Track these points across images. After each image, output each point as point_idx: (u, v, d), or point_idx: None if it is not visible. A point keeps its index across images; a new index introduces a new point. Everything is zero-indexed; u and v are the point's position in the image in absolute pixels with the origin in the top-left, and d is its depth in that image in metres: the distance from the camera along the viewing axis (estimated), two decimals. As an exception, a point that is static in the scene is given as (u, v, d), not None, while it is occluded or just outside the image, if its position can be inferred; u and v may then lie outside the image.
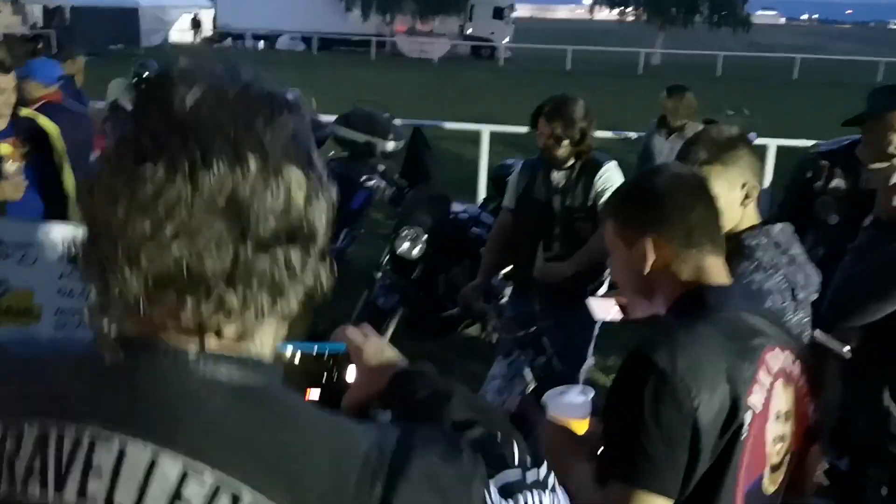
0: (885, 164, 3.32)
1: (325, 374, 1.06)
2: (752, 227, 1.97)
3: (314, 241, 0.78)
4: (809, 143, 7.83)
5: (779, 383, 1.36)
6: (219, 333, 0.75)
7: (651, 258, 1.42)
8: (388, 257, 4.81)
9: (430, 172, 7.27)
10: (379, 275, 4.80)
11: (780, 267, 1.93)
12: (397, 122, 7.72)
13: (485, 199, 6.09)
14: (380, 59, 34.87)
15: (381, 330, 4.70)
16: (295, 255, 0.76)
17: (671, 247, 1.42)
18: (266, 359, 0.79)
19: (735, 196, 1.92)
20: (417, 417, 0.93)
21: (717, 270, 1.44)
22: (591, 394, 1.52)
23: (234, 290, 0.73)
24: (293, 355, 1.04)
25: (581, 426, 1.48)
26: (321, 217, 0.79)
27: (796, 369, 1.41)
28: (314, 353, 1.06)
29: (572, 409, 1.49)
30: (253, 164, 0.72)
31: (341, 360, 1.06)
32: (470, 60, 36.67)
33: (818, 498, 3.57)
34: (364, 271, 5.02)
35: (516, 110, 3.67)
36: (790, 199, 3.81)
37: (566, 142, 3.50)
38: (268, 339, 0.79)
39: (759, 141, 7.81)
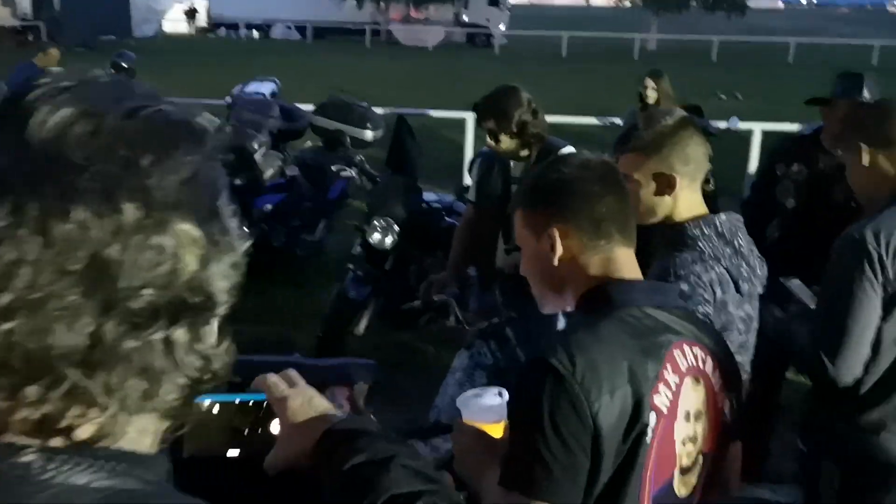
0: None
1: (248, 428, 0.96)
2: (696, 217, 1.90)
3: (209, 312, 0.61)
4: (795, 127, 7.84)
5: (688, 381, 1.31)
6: (70, 431, 0.58)
7: (559, 250, 1.37)
8: (360, 248, 4.75)
9: (414, 161, 7.22)
10: (351, 266, 4.74)
11: (723, 259, 1.86)
12: (380, 110, 7.67)
13: (463, 187, 6.03)
14: (375, 48, 34.68)
15: (353, 322, 4.65)
16: (179, 335, 0.59)
17: (579, 238, 1.37)
18: (143, 451, 0.62)
19: (652, 187, 1.86)
20: (350, 490, 0.83)
21: (626, 264, 1.38)
22: (507, 396, 1.46)
23: (91, 378, 0.57)
24: (210, 407, 0.95)
25: (496, 430, 1.42)
26: (222, 282, 0.61)
27: (708, 366, 1.35)
28: (235, 403, 0.96)
29: (487, 412, 1.43)
30: (130, 214, 0.56)
31: (267, 411, 0.96)
32: (465, 48, 36.47)
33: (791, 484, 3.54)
34: (342, 263, 4.96)
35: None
36: (759, 184, 3.80)
37: (505, 136, 3.43)
38: (144, 433, 0.62)
39: (744, 125, 7.75)
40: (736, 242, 1.91)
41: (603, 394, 1.19)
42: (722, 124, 7.87)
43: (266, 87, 8.33)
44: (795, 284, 2.37)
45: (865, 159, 2.14)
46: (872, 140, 2.14)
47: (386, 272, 4.71)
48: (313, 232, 6.17)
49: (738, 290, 1.88)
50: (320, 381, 3.18)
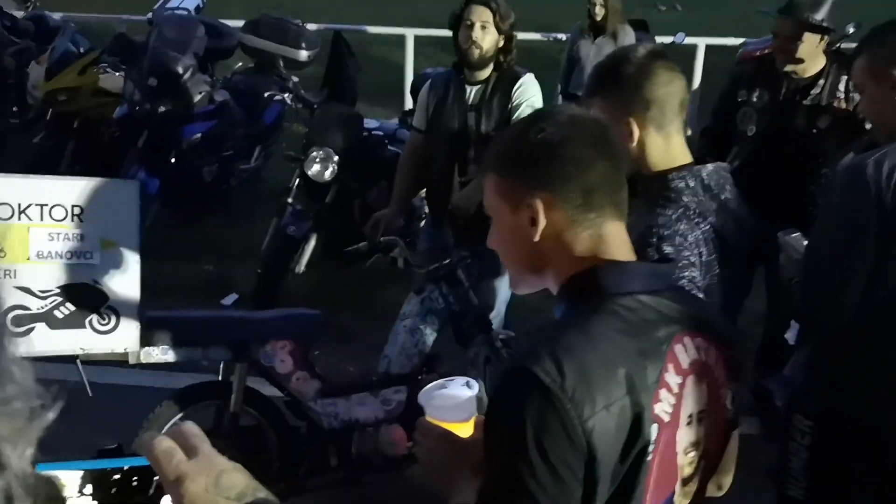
0: (794, 67, 3.25)
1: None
2: (680, 167, 1.70)
3: None
4: (739, 41, 7.68)
5: (690, 381, 1.13)
6: None
7: (542, 223, 1.15)
8: (297, 181, 4.47)
9: (353, 82, 6.87)
10: (289, 200, 4.47)
11: (709, 215, 1.68)
12: (313, 27, 7.23)
13: (405, 112, 5.73)
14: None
15: (293, 260, 4.41)
16: None
17: (566, 210, 1.15)
18: None
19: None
20: None
21: (617, 241, 1.17)
22: (477, 388, 1.25)
23: None
24: (69, 480, 0.70)
25: (465, 429, 1.22)
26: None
27: (712, 357, 1.17)
28: (107, 472, 0.72)
29: (454, 409, 1.22)
30: None
31: (159, 485, 0.70)
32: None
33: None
34: (281, 194, 4.67)
35: (447, 12, 3.36)
36: (721, 110, 3.64)
37: (493, 33, 3.24)
38: None
39: (688, 40, 7.54)
40: (722, 196, 1.72)
41: (598, 409, 1.01)
42: (667, 39, 7.67)
43: (190, 3, 7.74)
44: (794, 238, 2.22)
45: None
46: None
47: (327, 206, 4.46)
48: (248, 161, 5.82)
49: (725, 247, 1.71)
50: (261, 336, 2.99)
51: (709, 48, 7.74)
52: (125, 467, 0.72)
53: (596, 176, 1.15)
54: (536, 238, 1.16)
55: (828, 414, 2.11)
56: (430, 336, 3.17)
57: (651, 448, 1.06)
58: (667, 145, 1.69)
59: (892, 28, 2.10)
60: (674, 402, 1.09)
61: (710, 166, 1.72)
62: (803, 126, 3.32)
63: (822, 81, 3.27)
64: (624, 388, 1.03)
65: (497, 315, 3.40)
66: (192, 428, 0.71)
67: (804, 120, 3.32)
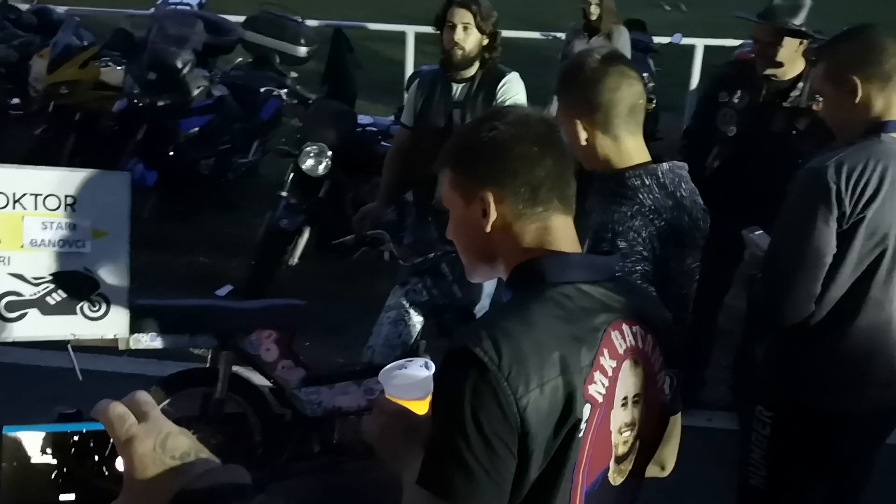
0: (774, 70, 3.30)
1: (86, 469, 0.77)
2: (636, 166, 1.77)
3: None
4: (738, 42, 7.71)
5: (626, 365, 1.20)
6: None
7: (493, 216, 1.23)
8: (291, 175, 4.55)
9: (353, 78, 6.94)
10: (283, 194, 4.55)
11: (664, 212, 1.75)
12: (314, 23, 7.31)
13: (399, 108, 5.80)
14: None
15: (286, 252, 4.49)
16: None
17: (514, 205, 1.23)
18: None
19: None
20: None
21: (563, 234, 1.25)
22: (434, 368, 1.34)
23: None
24: (31, 441, 0.75)
25: (421, 407, 1.30)
26: None
27: (648, 344, 1.25)
28: (66, 434, 0.76)
29: (411, 388, 1.30)
30: None
31: (108, 444, 0.76)
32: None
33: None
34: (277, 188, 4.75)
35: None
36: (702, 111, 3.71)
37: (476, 33, 3.32)
38: None
39: (686, 41, 7.59)
40: (678, 193, 1.79)
41: (532, 388, 1.08)
42: (665, 40, 7.72)
43: (192, -3, 7.84)
44: (758, 235, 2.29)
45: (859, 93, 2.04)
46: (870, 75, 2.04)
47: (320, 200, 4.54)
48: (245, 155, 5.91)
49: (680, 243, 1.78)
50: (248, 325, 3.06)
51: (709, 49, 7.76)
52: (83, 431, 0.77)
53: (542, 172, 1.23)
54: (488, 229, 1.24)
55: (787, 404, 2.19)
56: (413, 328, 3.25)
57: (583, 426, 1.13)
58: (616, 146, 1.76)
59: (849, 35, 2.17)
60: (607, 384, 1.17)
61: (665, 165, 1.79)
62: (782, 128, 3.39)
63: (801, 84, 3.33)
64: (557, 369, 1.11)
65: (481, 308, 3.47)
66: (143, 396, 0.77)
67: (783, 121, 3.39)
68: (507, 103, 3.30)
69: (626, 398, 1.21)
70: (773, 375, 2.23)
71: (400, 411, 1.27)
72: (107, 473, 0.76)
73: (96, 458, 0.77)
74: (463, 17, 3.30)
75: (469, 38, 3.31)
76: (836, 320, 2.06)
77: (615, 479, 1.24)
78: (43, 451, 0.75)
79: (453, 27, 3.32)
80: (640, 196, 1.73)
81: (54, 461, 0.76)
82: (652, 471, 1.40)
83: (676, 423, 1.41)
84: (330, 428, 3.00)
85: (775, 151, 3.37)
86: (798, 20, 3.23)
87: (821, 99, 2.37)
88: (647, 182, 1.74)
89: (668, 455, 1.44)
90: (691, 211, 1.81)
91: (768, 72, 3.31)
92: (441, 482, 1.09)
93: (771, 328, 2.22)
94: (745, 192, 3.32)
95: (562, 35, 7.28)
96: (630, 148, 1.76)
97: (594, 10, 5.84)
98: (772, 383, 2.23)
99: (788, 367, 2.18)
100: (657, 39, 7.80)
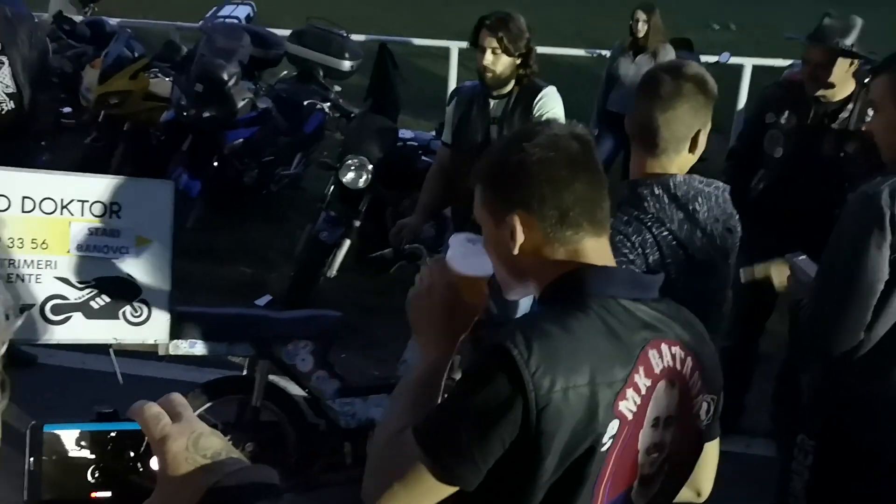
0: (824, 91, 3.23)
1: (122, 465, 0.79)
2: (651, 175, 1.80)
3: None
4: (788, 63, 7.61)
5: (661, 385, 1.18)
6: None
7: (520, 239, 1.22)
8: (332, 188, 4.59)
9: (397, 93, 6.99)
10: (324, 206, 4.59)
11: (668, 221, 1.74)
12: (359, 38, 7.38)
13: (441, 124, 5.83)
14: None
15: (325, 264, 4.52)
16: None
17: (542, 229, 1.21)
18: None
19: None
20: None
21: (595, 255, 1.23)
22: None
23: None
24: (70, 438, 0.77)
25: (472, 284, 1.28)
26: None
27: (687, 367, 1.22)
28: (104, 433, 0.79)
29: (472, 261, 1.27)
30: None
31: (143, 443, 0.79)
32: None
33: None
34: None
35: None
36: (748, 132, 3.66)
37: (507, 58, 3.30)
38: None
39: (734, 60, 7.51)
40: (691, 207, 1.78)
41: (555, 389, 1.08)
42: (712, 59, 7.64)
43: (241, 11, 7.98)
44: (802, 260, 2.22)
45: None
46: None
47: (360, 213, 4.57)
48: (289, 167, 5.98)
49: (689, 257, 1.77)
50: (285, 335, 3.09)
51: (757, 69, 7.67)
52: (120, 429, 0.80)
53: (570, 197, 1.21)
54: (515, 251, 1.23)
55: (832, 434, 2.13)
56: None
57: (608, 441, 1.12)
58: (652, 161, 1.82)
59: None
60: (639, 402, 1.15)
61: (679, 177, 1.79)
62: (831, 150, 3.31)
63: (850, 106, 3.26)
64: (587, 378, 1.10)
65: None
66: (177, 397, 0.79)
67: (832, 144, 3.31)
68: (543, 117, 3.29)
69: (657, 418, 1.19)
70: (818, 404, 2.17)
71: (453, 283, 1.27)
72: (141, 470, 0.78)
73: (131, 455, 0.79)
74: (490, 42, 3.30)
75: (499, 61, 3.31)
76: (887, 350, 2.00)
77: (638, 500, 1.22)
78: (80, 448, 0.78)
79: (483, 51, 3.33)
80: (645, 204, 1.76)
81: (92, 457, 0.78)
82: (687, 496, 1.37)
83: (714, 449, 1.38)
84: (363, 439, 3.00)
85: (823, 174, 3.30)
86: (849, 40, 3.17)
87: (872, 113, 2.29)
88: (657, 192, 1.76)
89: (704, 481, 1.41)
90: (706, 227, 1.79)
91: (819, 93, 3.25)
92: (433, 443, 1.12)
93: (818, 356, 2.16)
94: (791, 215, 3.26)
95: (607, 53, 7.26)
96: (660, 160, 1.80)
97: (641, 28, 5.82)
98: (817, 412, 2.17)
99: (835, 397, 2.12)
100: (704, 58, 7.71)
